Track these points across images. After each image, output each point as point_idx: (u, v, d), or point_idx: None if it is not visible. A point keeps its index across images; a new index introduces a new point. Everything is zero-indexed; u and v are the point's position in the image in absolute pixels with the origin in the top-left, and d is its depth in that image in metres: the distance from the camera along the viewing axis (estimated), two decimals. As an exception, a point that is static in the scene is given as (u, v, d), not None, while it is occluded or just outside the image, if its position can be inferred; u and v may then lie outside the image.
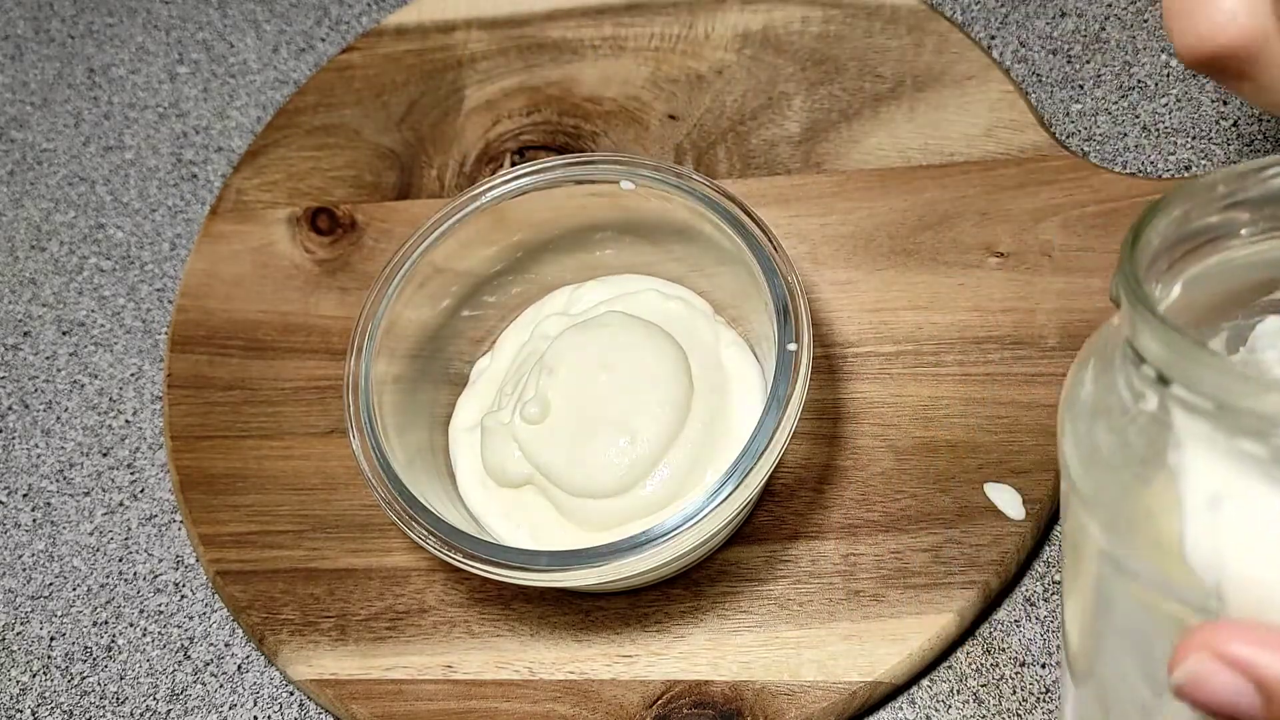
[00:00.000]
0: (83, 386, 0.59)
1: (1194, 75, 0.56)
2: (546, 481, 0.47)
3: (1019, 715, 0.46)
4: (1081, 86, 0.57)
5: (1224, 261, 0.32)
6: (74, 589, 0.54)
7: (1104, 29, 0.58)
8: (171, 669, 0.52)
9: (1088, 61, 0.57)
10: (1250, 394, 0.26)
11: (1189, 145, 0.54)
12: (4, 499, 0.56)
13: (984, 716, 0.46)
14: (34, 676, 0.52)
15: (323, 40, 0.66)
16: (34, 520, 0.56)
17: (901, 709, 0.47)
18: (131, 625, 0.53)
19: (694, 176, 0.48)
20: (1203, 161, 0.54)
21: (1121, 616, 0.31)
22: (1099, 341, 0.32)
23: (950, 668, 0.47)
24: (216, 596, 0.53)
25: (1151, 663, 0.30)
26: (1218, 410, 0.27)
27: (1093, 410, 0.31)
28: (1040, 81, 0.57)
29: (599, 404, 0.47)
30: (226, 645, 0.52)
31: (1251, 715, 0.26)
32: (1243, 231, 0.32)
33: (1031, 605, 0.48)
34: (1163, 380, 0.28)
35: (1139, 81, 0.56)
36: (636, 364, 0.48)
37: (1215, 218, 0.32)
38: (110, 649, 0.52)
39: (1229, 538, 0.27)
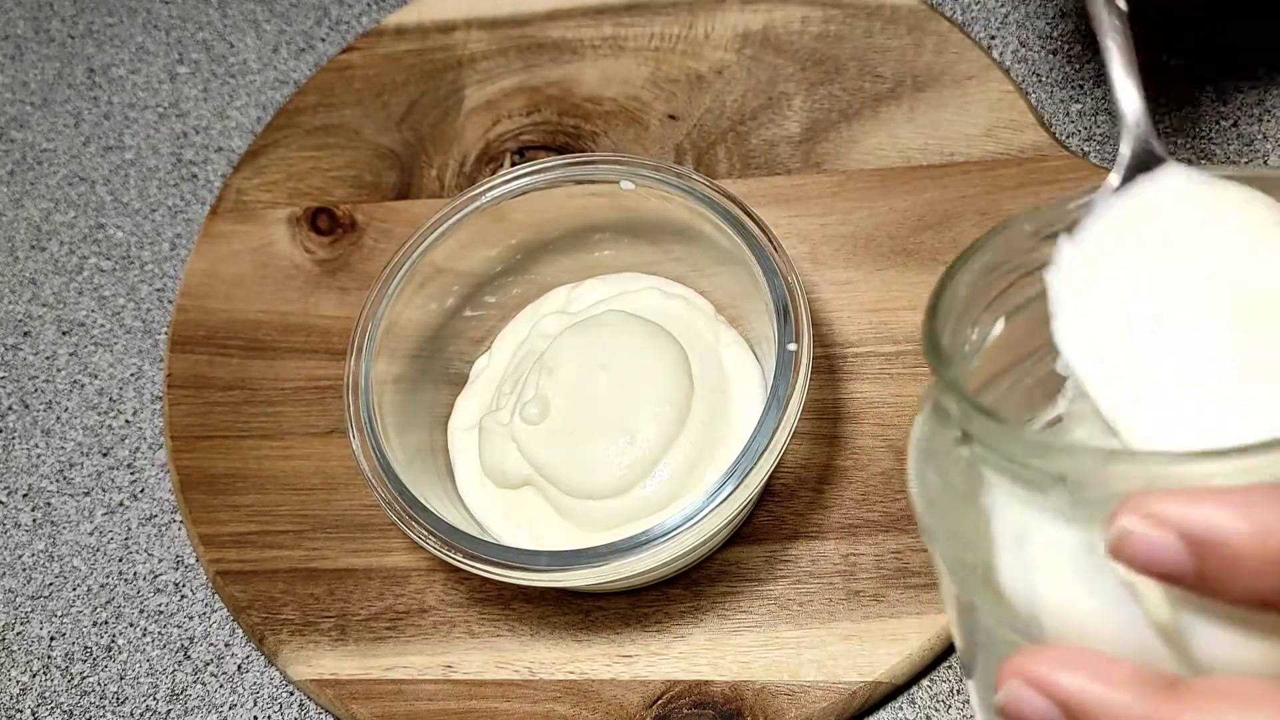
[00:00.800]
0: (83, 386, 0.59)
1: (1194, 75, 0.56)
2: (545, 482, 0.47)
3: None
4: (1081, 86, 0.57)
5: (1045, 291, 0.33)
6: (74, 589, 0.54)
7: (1104, 29, 0.58)
8: (171, 669, 0.52)
9: (1088, 61, 0.57)
10: (1029, 455, 0.28)
11: (1189, 145, 0.54)
12: (4, 499, 0.56)
13: (984, 716, 0.46)
14: (34, 676, 0.52)
15: (323, 40, 0.66)
16: (34, 520, 0.56)
17: (901, 709, 0.47)
18: (131, 625, 0.53)
19: (694, 176, 0.48)
20: (1202, 161, 0.54)
21: (980, 643, 0.32)
22: (932, 389, 0.34)
23: (950, 668, 0.47)
24: (216, 596, 0.53)
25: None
26: (1009, 465, 0.29)
27: (925, 452, 0.33)
28: (1040, 81, 0.57)
29: (598, 404, 0.47)
30: (226, 645, 0.52)
31: None
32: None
33: (1031, 605, 0.48)
34: (965, 436, 0.30)
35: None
36: (636, 364, 0.48)
37: (1029, 254, 0.33)
38: (110, 649, 0.52)
39: (1036, 570, 0.29)
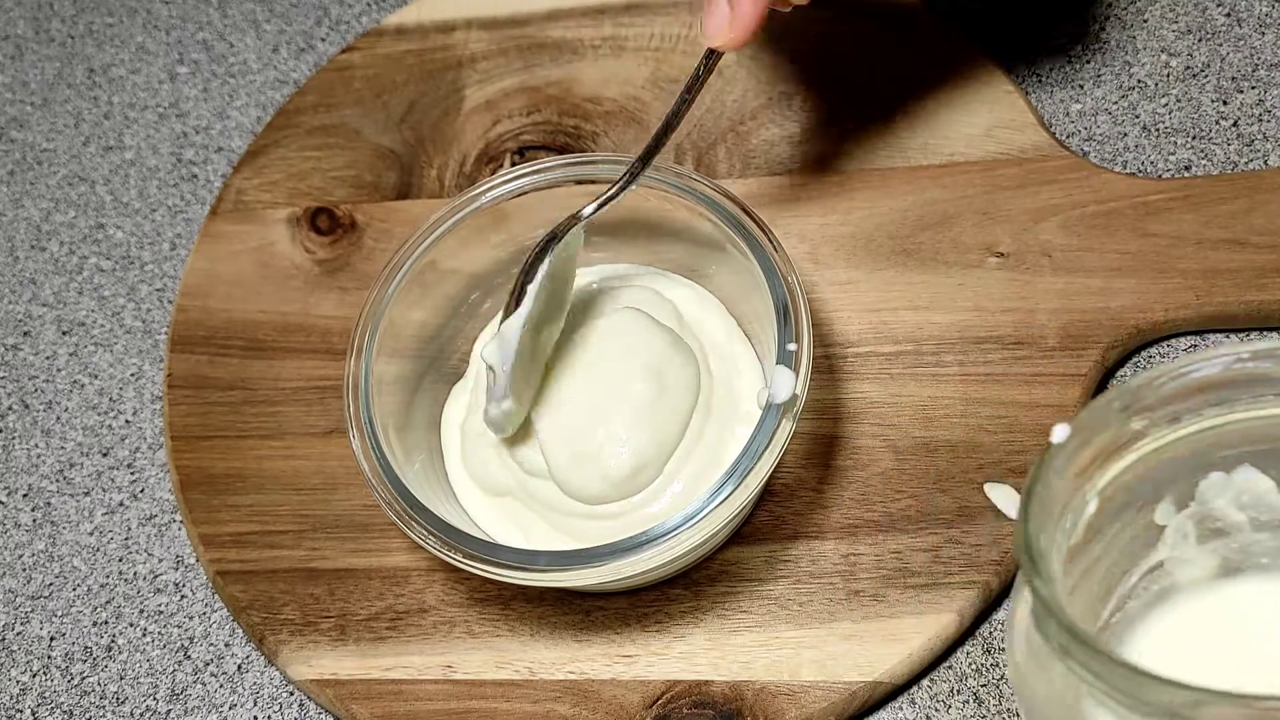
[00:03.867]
0: (83, 386, 0.59)
1: (1194, 75, 0.56)
2: (535, 500, 0.47)
3: (1019, 715, 0.46)
4: (1081, 86, 0.57)
5: (1139, 459, 0.34)
6: (74, 589, 0.54)
7: (1104, 29, 0.58)
8: (171, 669, 0.52)
9: (1088, 61, 0.57)
10: (1133, 686, 0.29)
11: (1189, 145, 0.54)
12: (4, 499, 0.56)
13: (984, 716, 0.46)
14: (34, 676, 0.52)
15: (323, 40, 0.66)
16: (34, 520, 0.56)
17: (901, 709, 0.47)
18: (131, 625, 0.53)
19: (694, 176, 0.48)
20: (1203, 161, 0.54)
21: None
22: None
23: (950, 668, 0.47)
24: (216, 596, 0.53)
25: None
26: (1108, 689, 0.30)
27: (1029, 647, 0.34)
28: (1040, 81, 0.57)
29: (588, 407, 0.47)
30: (226, 645, 0.52)
31: None
32: (1147, 431, 0.34)
33: (1031, 605, 0.48)
34: (1064, 651, 0.30)
35: (1139, 81, 0.56)
36: (632, 359, 0.47)
37: (1119, 429, 0.34)
38: (110, 649, 0.52)
39: None
